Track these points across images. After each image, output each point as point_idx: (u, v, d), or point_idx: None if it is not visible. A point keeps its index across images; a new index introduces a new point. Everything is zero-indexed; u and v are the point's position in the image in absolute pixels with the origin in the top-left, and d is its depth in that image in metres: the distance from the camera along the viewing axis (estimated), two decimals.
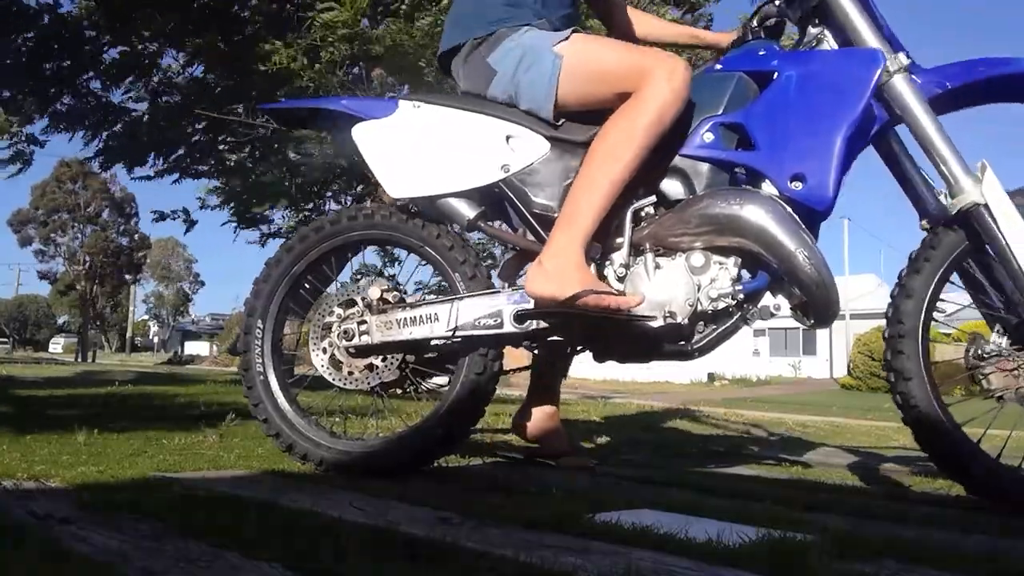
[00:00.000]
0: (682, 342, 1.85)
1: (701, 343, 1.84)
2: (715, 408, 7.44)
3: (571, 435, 2.84)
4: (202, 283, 58.90)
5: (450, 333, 1.91)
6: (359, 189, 8.97)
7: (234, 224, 9.07)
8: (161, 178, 8.94)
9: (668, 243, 1.85)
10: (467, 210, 1.98)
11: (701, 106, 1.91)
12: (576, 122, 1.94)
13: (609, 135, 1.82)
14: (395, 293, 2.04)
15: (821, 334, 29.01)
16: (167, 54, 8.16)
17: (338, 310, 2.04)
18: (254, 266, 2.30)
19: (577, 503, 1.56)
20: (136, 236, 43.63)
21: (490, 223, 2.04)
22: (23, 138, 8.42)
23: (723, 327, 1.84)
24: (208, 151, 8.75)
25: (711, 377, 25.52)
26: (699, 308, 1.81)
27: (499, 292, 1.93)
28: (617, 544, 1.22)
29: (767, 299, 1.88)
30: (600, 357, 1.99)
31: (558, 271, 1.77)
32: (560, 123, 1.95)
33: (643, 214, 1.90)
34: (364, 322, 1.99)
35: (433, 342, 1.95)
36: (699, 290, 1.82)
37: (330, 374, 2.03)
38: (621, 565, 1.08)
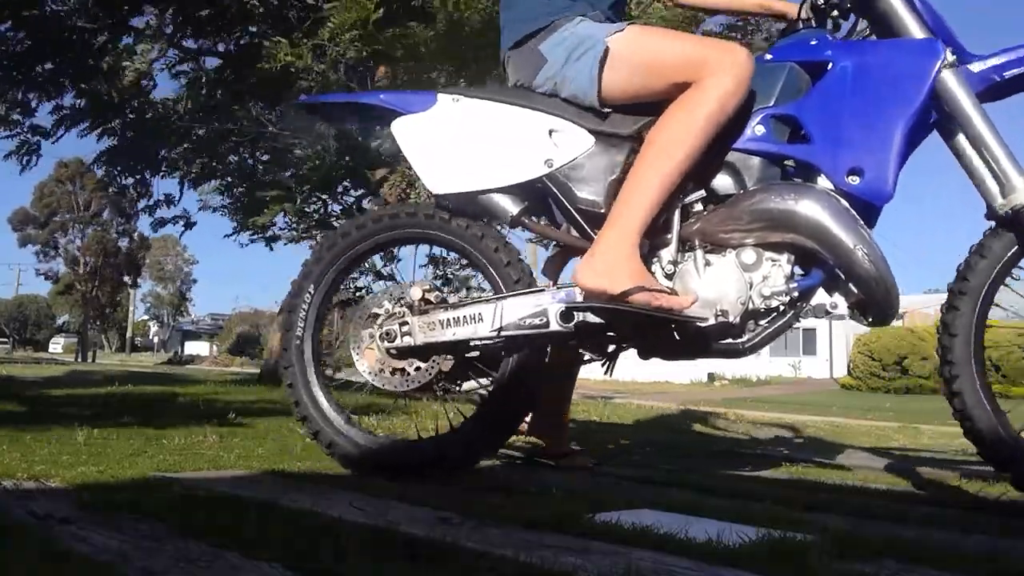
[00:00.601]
0: (733, 340, 1.80)
1: (753, 341, 1.80)
2: (716, 408, 7.44)
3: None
4: (194, 281, 58.87)
5: (495, 333, 1.87)
6: (360, 192, 8.96)
7: (239, 233, 9.05)
8: (175, 205, 8.96)
9: (718, 239, 1.81)
10: (510, 206, 1.95)
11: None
12: (621, 114, 1.90)
13: (668, 126, 1.77)
14: (436, 293, 2.00)
15: (821, 334, 29.02)
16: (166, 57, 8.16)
17: (378, 311, 2.01)
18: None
19: (577, 503, 1.56)
20: (136, 236, 43.62)
21: (533, 219, 2.01)
22: (27, 129, 8.39)
23: (776, 325, 1.80)
24: (210, 153, 8.76)
25: (711, 377, 25.52)
26: (751, 306, 1.77)
27: (544, 291, 1.90)
28: (617, 544, 1.22)
29: (822, 296, 1.83)
30: (646, 354, 1.94)
31: (610, 265, 1.73)
32: (605, 116, 1.90)
33: (691, 209, 1.85)
34: (406, 323, 1.96)
35: (477, 343, 1.92)
36: (751, 288, 1.77)
37: (371, 375, 2.00)
38: (621, 565, 1.08)
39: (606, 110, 1.90)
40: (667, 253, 1.83)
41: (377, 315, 2.00)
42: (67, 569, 1.01)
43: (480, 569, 1.04)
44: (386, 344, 1.96)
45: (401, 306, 1.98)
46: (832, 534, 1.30)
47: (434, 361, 1.96)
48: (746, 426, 4.93)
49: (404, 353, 1.97)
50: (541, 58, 1.93)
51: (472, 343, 1.92)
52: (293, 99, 7.57)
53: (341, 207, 9.40)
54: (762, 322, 1.80)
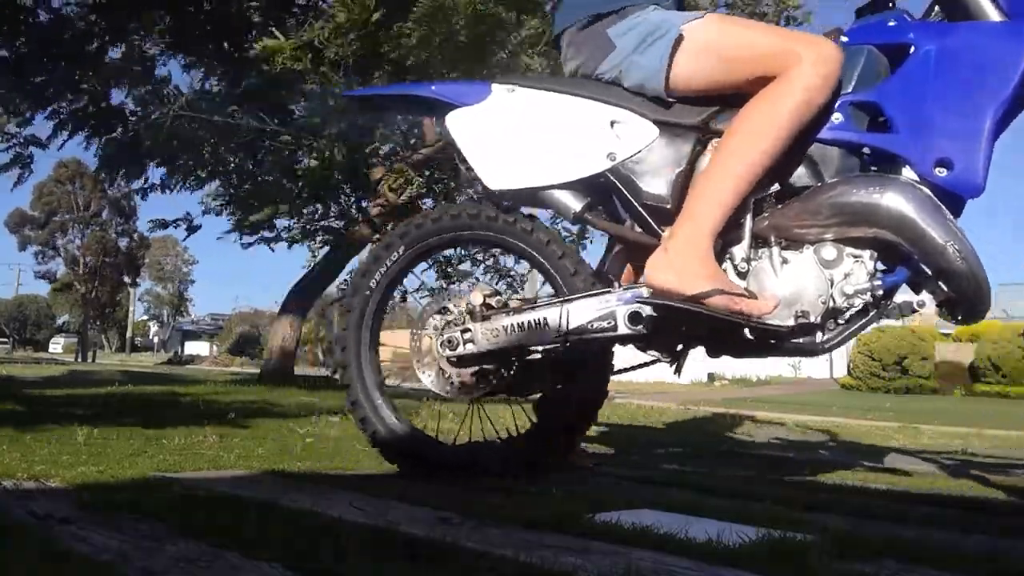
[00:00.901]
0: (812, 340, 1.72)
1: (832, 341, 1.72)
2: (716, 408, 7.44)
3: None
4: (192, 281, 58.93)
5: (561, 338, 1.80)
6: (361, 193, 8.97)
7: (235, 233, 9.04)
8: (163, 192, 8.94)
9: (793, 235, 1.72)
10: (572, 202, 1.87)
11: None
12: (686, 104, 1.82)
13: (750, 118, 1.70)
14: (498, 298, 1.93)
15: None
16: (164, 58, 8.17)
17: (438, 318, 1.94)
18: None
19: (577, 503, 1.56)
20: (135, 236, 43.61)
21: (595, 215, 1.92)
22: (21, 139, 8.40)
23: (857, 324, 1.72)
24: (209, 155, 8.75)
25: (711, 377, 25.49)
26: (832, 305, 1.69)
27: (610, 292, 1.82)
28: (617, 544, 1.22)
29: (906, 293, 1.76)
30: (715, 353, 1.87)
31: (684, 265, 1.67)
32: (669, 106, 1.82)
33: (764, 203, 1.76)
34: (468, 330, 1.88)
35: (543, 348, 1.85)
36: (832, 285, 1.69)
37: (433, 383, 1.94)
38: (621, 565, 1.08)
39: (671, 99, 1.82)
40: (739, 250, 1.74)
41: (436, 322, 1.94)
42: (67, 569, 1.01)
43: (480, 569, 1.04)
44: (448, 352, 1.89)
45: (461, 312, 1.92)
46: (832, 534, 1.30)
47: (496, 366, 1.90)
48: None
49: (466, 361, 1.89)
50: (609, 43, 1.85)
51: (538, 348, 1.86)
52: (292, 100, 7.57)
53: (339, 208, 9.41)
54: (842, 321, 1.72)
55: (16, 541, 1.14)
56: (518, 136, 1.90)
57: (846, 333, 1.72)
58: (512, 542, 1.20)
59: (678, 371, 2.08)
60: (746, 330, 1.72)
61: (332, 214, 9.31)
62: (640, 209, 1.82)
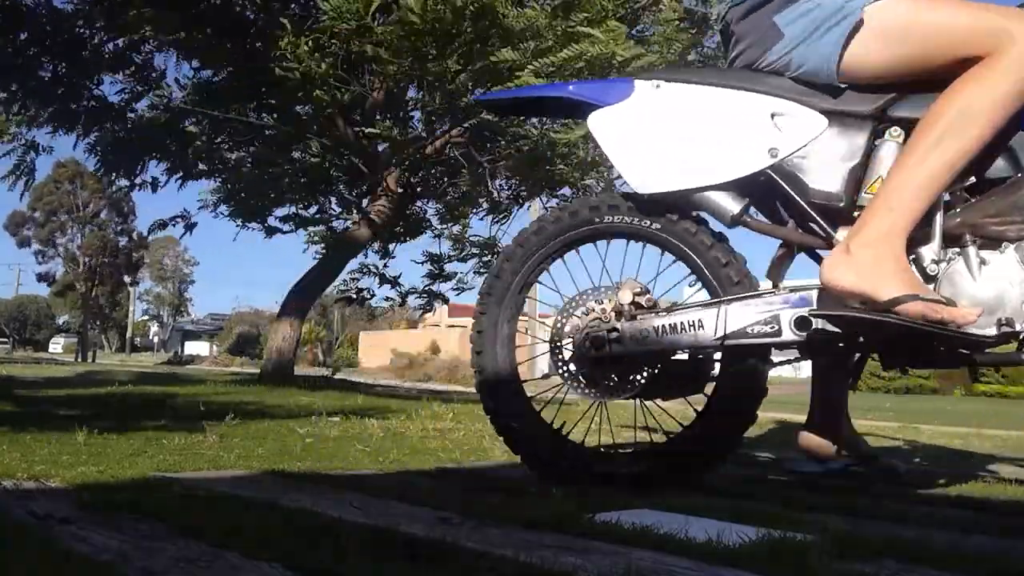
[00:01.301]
0: (1018, 353, 1.58)
1: None
2: None
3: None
4: (192, 282, 58.91)
5: (718, 342, 1.69)
6: (364, 188, 8.97)
7: (235, 221, 9.05)
8: (163, 187, 8.94)
9: (990, 232, 1.57)
10: (730, 204, 1.74)
11: None
12: (859, 91, 1.68)
13: (955, 103, 1.54)
14: (648, 297, 1.83)
15: None
16: (168, 55, 8.16)
17: (581, 316, 1.85)
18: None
19: (577, 503, 1.56)
20: (134, 235, 43.63)
21: (754, 217, 1.81)
22: (23, 143, 8.40)
23: None
24: (209, 152, 8.76)
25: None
26: None
27: (774, 294, 1.71)
28: (617, 544, 1.22)
29: None
30: (892, 363, 1.74)
31: (872, 265, 1.52)
32: (839, 94, 1.69)
33: (955, 197, 1.62)
34: (615, 330, 1.77)
35: (696, 352, 1.77)
36: None
37: (573, 383, 1.86)
38: (621, 565, 1.07)
39: (842, 86, 1.68)
40: (928, 250, 1.59)
41: (579, 320, 1.84)
42: (67, 569, 1.01)
43: (480, 569, 1.04)
44: (592, 353, 1.79)
45: (607, 311, 1.81)
46: (832, 534, 1.30)
47: (640, 368, 1.81)
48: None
49: (609, 361, 1.80)
50: (776, 32, 1.70)
51: (684, 351, 1.77)
52: (292, 101, 7.56)
53: (341, 205, 9.41)
54: None
55: (16, 541, 1.14)
56: (667, 135, 1.78)
57: None
58: (512, 542, 1.20)
59: (854, 384, 1.92)
60: (937, 342, 1.58)
61: (331, 212, 9.33)
62: (807, 208, 1.69)
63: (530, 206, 8.80)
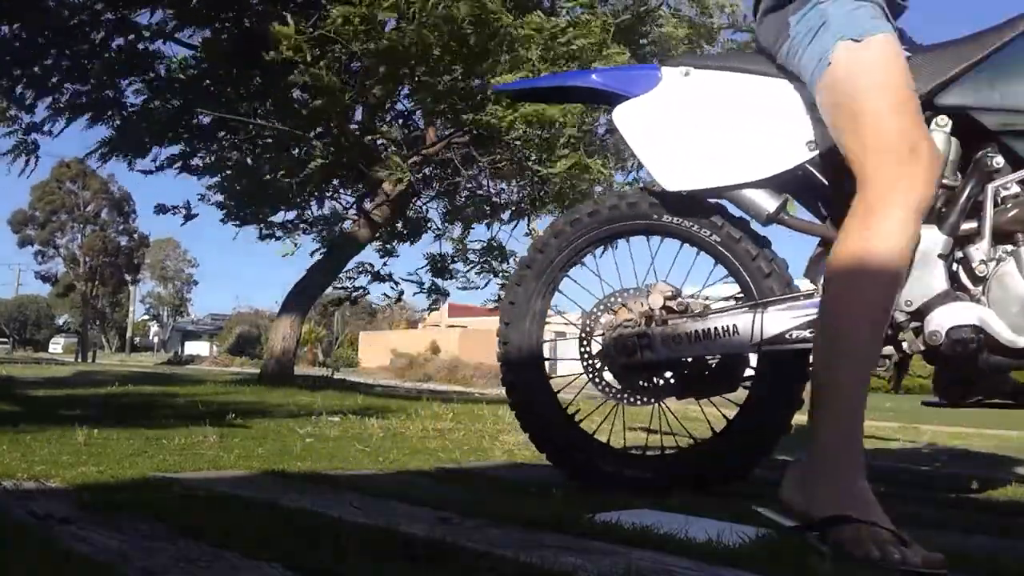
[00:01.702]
0: None
1: None
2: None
3: None
4: (195, 283, 58.91)
5: (754, 348, 1.64)
6: (361, 187, 8.96)
7: (233, 222, 9.04)
8: (162, 171, 8.93)
9: None
10: (766, 202, 1.65)
11: None
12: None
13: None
14: (679, 300, 1.75)
15: None
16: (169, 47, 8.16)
17: (610, 319, 1.79)
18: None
19: (577, 503, 1.56)
20: (135, 235, 43.66)
21: (790, 214, 1.70)
22: (23, 127, 8.36)
23: None
24: (209, 144, 8.75)
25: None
26: None
27: (812, 296, 1.63)
28: (617, 544, 1.22)
29: None
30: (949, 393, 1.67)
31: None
32: None
33: (1006, 192, 1.52)
34: (645, 335, 1.72)
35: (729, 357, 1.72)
36: None
37: (603, 388, 1.83)
38: (621, 565, 1.07)
39: None
40: (977, 249, 1.50)
41: (609, 323, 1.79)
42: (67, 569, 1.01)
43: (480, 569, 1.04)
44: (623, 359, 1.74)
45: (638, 314, 1.75)
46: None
47: (666, 370, 1.76)
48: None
49: (640, 367, 1.75)
50: (785, 30, 1.58)
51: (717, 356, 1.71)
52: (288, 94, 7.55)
53: (343, 206, 9.40)
54: None
55: (16, 541, 1.14)
56: (698, 127, 1.69)
57: None
58: (512, 542, 1.20)
59: (896, 386, 1.81)
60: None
61: (330, 212, 9.32)
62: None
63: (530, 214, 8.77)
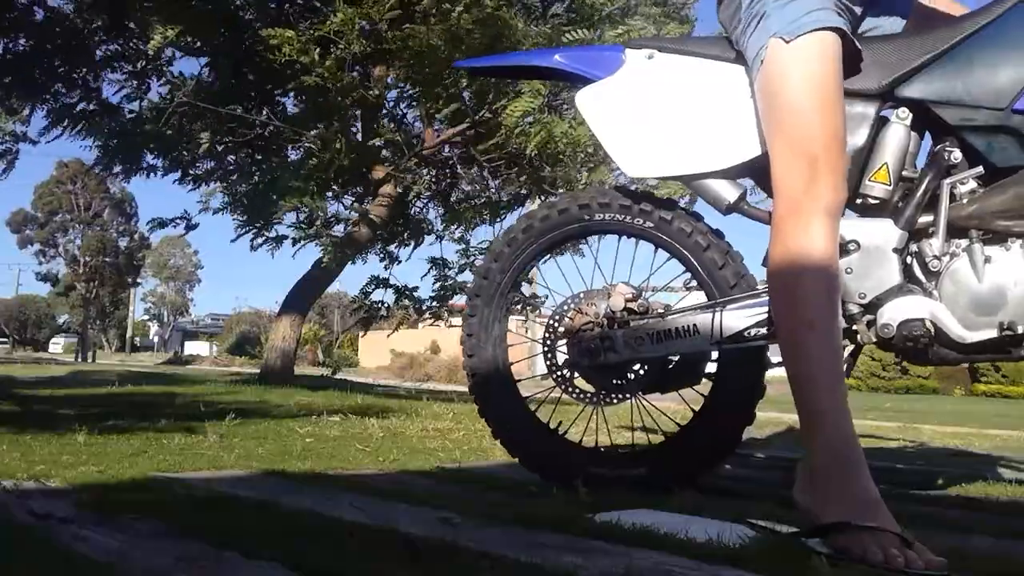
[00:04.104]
0: (1011, 350, 1.52)
1: None
2: None
3: None
4: (200, 281, 59.01)
5: (714, 346, 1.67)
6: (360, 189, 8.95)
7: (248, 231, 8.97)
8: (162, 176, 8.90)
9: (997, 226, 1.48)
10: (727, 191, 1.66)
11: None
12: (868, 66, 1.53)
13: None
14: (640, 302, 1.76)
15: None
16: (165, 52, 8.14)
17: (571, 322, 1.80)
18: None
19: (577, 503, 1.56)
20: (136, 236, 43.66)
21: (751, 204, 1.70)
22: (4, 136, 8.39)
23: None
24: (208, 151, 8.74)
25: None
26: None
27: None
28: (617, 544, 1.22)
29: None
30: (914, 361, 1.67)
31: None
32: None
33: (961, 187, 1.53)
34: (608, 338, 1.73)
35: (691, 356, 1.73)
36: None
37: (569, 389, 1.84)
38: (621, 565, 1.07)
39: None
40: (930, 244, 1.52)
41: (572, 323, 1.79)
42: (67, 569, 1.01)
43: (480, 569, 1.04)
44: (586, 361, 1.76)
45: (599, 316, 1.76)
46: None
47: (634, 367, 1.77)
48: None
49: (603, 370, 1.77)
50: (738, 16, 1.56)
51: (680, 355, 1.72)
52: (293, 93, 7.54)
53: (344, 207, 9.37)
54: None
55: (16, 541, 1.14)
56: (660, 114, 1.67)
57: None
58: (512, 542, 1.20)
59: (847, 374, 1.72)
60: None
61: (331, 214, 9.28)
62: None
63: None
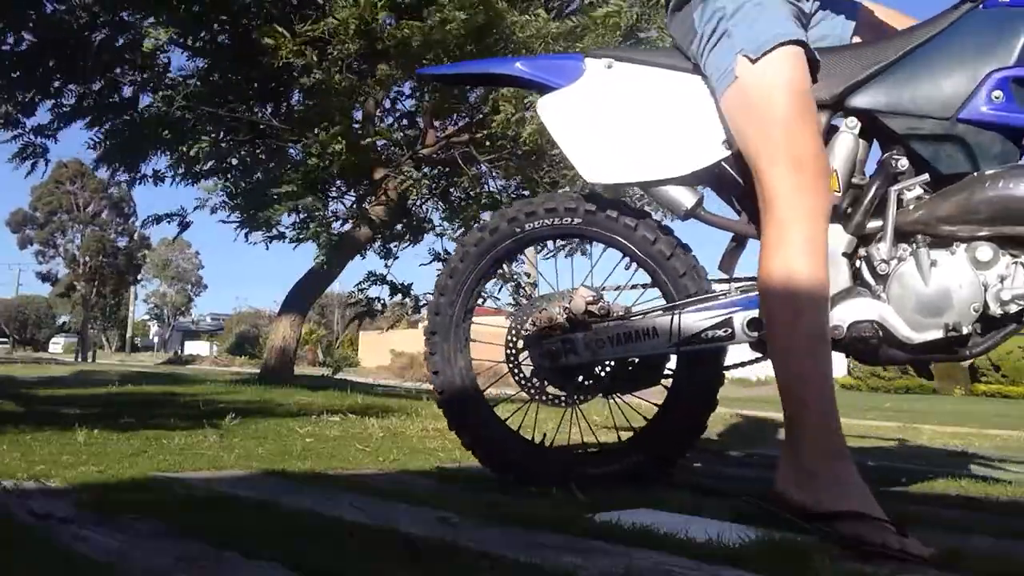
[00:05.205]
0: (960, 350, 1.56)
1: (979, 348, 1.56)
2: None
3: None
4: (205, 286, 59.07)
5: (673, 348, 1.69)
6: (362, 189, 8.94)
7: (243, 229, 8.97)
8: (162, 182, 8.89)
9: (942, 231, 1.52)
10: (683, 197, 1.70)
11: (983, 55, 1.52)
12: (818, 76, 1.57)
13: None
14: (600, 304, 1.78)
15: None
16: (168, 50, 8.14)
17: (533, 325, 1.82)
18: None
19: (577, 503, 1.56)
20: (135, 236, 43.67)
21: (707, 210, 1.74)
22: (28, 130, 8.36)
23: (1008, 331, 1.54)
24: (210, 151, 8.72)
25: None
26: (987, 312, 1.50)
27: (725, 296, 1.69)
28: (617, 544, 1.22)
29: None
30: (863, 360, 1.71)
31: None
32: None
33: (909, 194, 1.57)
34: (569, 340, 1.76)
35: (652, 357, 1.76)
36: (986, 291, 1.50)
37: (531, 391, 1.85)
38: (621, 565, 1.07)
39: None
40: (879, 248, 1.56)
41: (532, 330, 1.82)
42: (67, 569, 1.01)
43: (480, 569, 1.04)
44: (547, 364, 1.79)
45: (561, 320, 1.79)
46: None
47: (594, 374, 1.80)
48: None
49: (565, 371, 1.80)
50: (692, 29, 1.62)
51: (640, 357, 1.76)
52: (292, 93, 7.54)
53: (344, 206, 9.36)
54: (994, 331, 1.54)
55: (16, 541, 1.14)
56: (618, 122, 1.71)
57: (994, 341, 1.56)
58: (512, 542, 1.20)
59: None
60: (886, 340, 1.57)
61: (331, 213, 9.27)
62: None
63: None
